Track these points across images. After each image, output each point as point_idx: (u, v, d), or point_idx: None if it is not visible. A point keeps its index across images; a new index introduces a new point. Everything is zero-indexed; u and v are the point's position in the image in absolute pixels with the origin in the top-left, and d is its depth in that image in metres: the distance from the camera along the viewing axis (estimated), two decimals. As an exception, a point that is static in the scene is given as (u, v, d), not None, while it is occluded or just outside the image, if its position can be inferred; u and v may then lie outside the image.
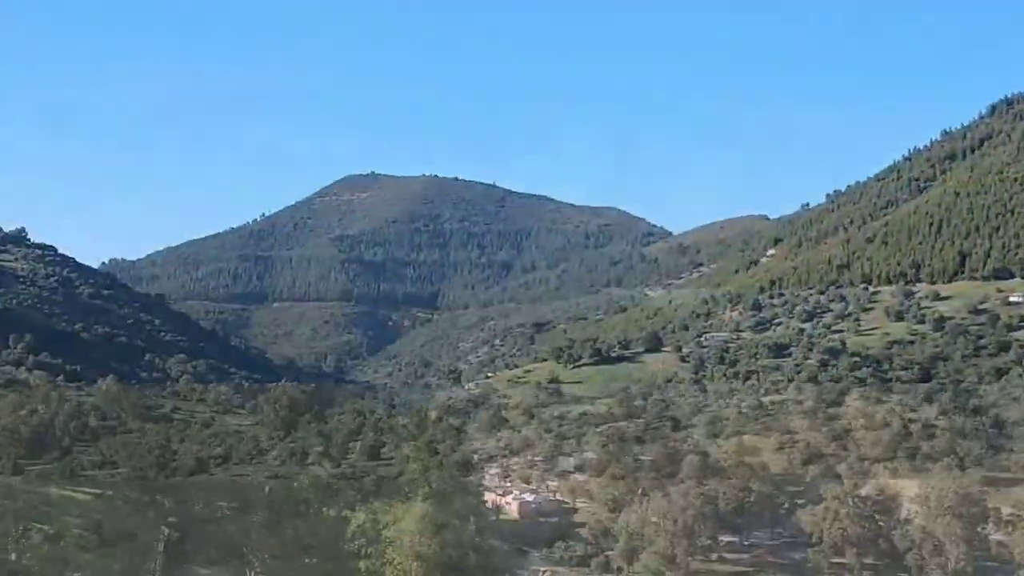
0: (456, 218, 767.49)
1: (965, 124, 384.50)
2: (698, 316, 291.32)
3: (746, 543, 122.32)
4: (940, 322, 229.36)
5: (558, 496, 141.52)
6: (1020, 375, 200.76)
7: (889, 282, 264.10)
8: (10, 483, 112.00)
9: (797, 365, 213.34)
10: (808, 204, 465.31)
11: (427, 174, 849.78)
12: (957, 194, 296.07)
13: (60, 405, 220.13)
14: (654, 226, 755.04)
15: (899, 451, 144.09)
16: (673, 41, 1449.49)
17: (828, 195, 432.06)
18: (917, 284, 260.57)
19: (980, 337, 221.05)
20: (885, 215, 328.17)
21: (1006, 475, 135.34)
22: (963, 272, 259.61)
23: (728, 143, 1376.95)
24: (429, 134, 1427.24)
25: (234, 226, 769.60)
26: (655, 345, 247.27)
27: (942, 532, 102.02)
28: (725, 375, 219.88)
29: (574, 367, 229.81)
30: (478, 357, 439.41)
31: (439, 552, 62.57)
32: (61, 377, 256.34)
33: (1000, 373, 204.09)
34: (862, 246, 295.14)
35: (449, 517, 69.18)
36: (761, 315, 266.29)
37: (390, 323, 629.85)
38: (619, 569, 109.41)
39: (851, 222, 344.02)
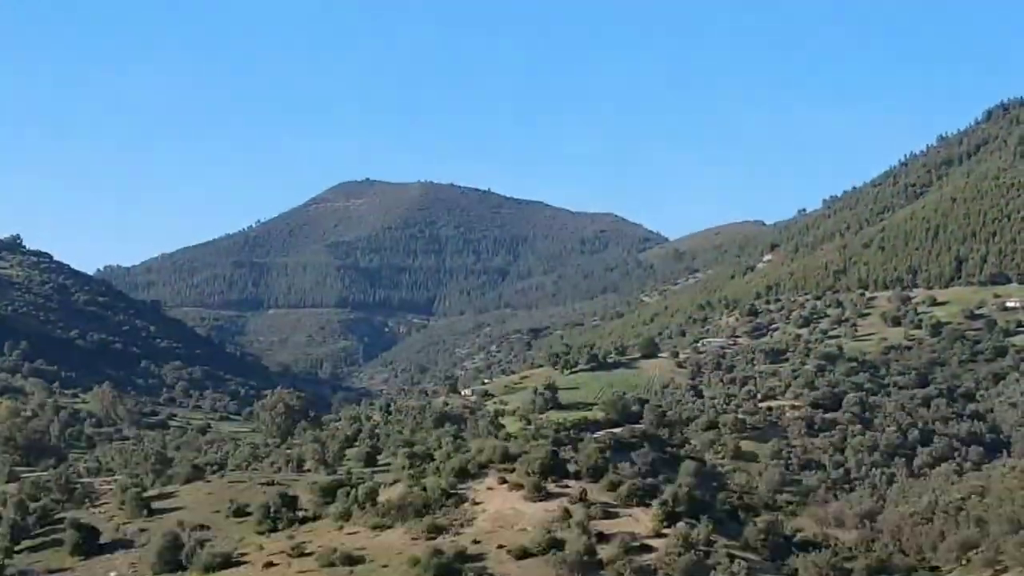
0: (452, 224, 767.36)
1: (962, 129, 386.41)
2: (695, 322, 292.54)
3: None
4: (937, 327, 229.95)
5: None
6: (1017, 380, 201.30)
7: (886, 287, 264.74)
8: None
9: (794, 371, 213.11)
10: (804, 210, 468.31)
11: (422, 180, 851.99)
12: (953, 200, 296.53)
13: (56, 412, 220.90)
14: (650, 232, 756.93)
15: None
16: (670, 42, 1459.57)
17: (824, 201, 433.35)
18: (914, 289, 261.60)
19: (977, 342, 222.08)
20: (882, 220, 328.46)
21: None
22: (960, 277, 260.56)
23: (726, 147, 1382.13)
24: (425, 139, 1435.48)
25: (229, 232, 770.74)
26: (652, 351, 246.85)
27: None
28: (722, 380, 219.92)
29: (571, 373, 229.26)
30: (474, 363, 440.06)
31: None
32: (57, 384, 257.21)
33: (997, 378, 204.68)
34: (859, 252, 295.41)
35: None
36: (758, 320, 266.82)
37: (386, 329, 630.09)
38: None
39: (848, 228, 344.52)
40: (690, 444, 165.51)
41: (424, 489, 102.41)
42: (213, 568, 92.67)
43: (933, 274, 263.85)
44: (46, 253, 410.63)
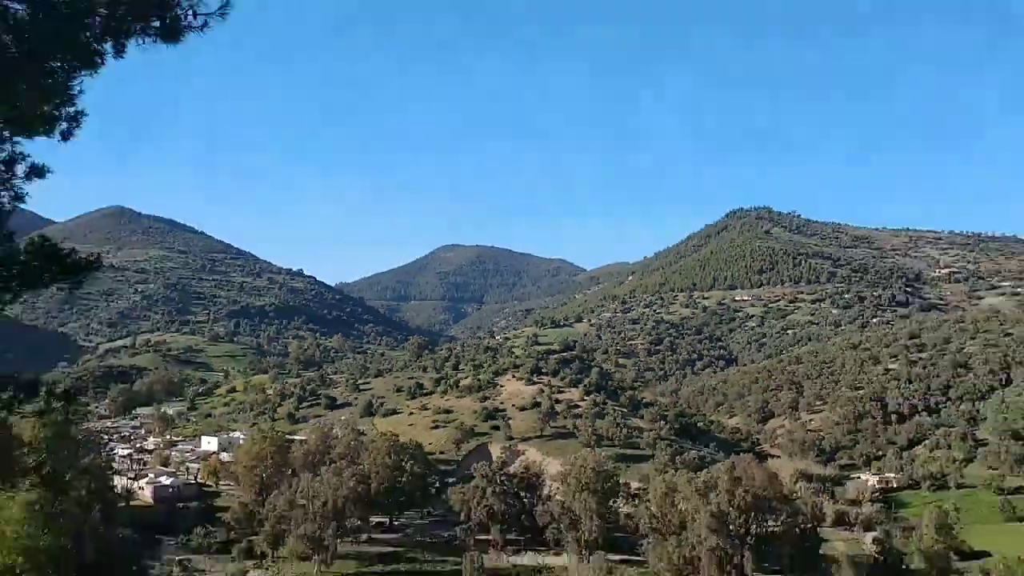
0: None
1: (717, 220, 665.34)
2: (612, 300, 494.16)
3: (396, 523, 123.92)
4: (705, 309, 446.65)
5: (199, 479, 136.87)
6: (747, 332, 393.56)
7: (683, 291, 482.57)
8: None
9: (643, 329, 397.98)
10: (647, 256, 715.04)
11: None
12: (712, 252, 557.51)
13: (316, 347, 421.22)
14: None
15: (546, 429, 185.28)
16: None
17: (657, 253, 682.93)
18: (694, 292, 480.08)
19: (725, 317, 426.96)
20: (681, 260, 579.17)
21: (635, 452, 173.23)
22: (715, 286, 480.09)
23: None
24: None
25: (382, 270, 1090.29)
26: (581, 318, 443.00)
27: (579, 507, 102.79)
28: (613, 328, 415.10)
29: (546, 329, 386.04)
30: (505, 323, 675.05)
31: (52, 544, 51.98)
32: (319, 336, 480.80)
33: (731, 330, 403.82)
34: (672, 275, 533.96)
35: (67, 505, 61.68)
36: (626, 307, 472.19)
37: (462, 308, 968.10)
38: (263, 555, 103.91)
39: (668, 264, 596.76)
40: (597, 359, 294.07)
41: (479, 379, 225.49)
42: (385, 415, 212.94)
43: (705, 284, 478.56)
44: (310, 275, 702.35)
